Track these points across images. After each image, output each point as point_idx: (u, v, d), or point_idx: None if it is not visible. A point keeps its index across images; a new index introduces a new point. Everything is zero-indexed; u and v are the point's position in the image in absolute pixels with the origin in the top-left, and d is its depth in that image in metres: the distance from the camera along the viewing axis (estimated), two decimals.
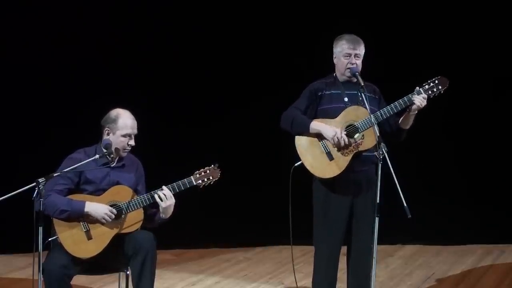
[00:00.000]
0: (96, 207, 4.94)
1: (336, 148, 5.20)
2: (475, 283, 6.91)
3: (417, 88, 5.24)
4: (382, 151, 4.89)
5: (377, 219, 4.93)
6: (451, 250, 8.11)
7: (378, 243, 4.95)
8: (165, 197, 4.99)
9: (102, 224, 4.94)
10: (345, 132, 5.18)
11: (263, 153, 7.89)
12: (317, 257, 5.38)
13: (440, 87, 5.25)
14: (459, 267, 7.43)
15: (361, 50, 5.30)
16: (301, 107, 5.30)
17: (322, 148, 5.23)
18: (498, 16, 8.03)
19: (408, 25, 8.00)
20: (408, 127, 5.33)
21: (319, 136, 5.23)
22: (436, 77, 5.27)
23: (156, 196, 4.99)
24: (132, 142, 5.10)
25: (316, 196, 5.36)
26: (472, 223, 8.16)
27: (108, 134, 5.09)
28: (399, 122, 5.32)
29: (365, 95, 5.15)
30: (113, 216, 4.94)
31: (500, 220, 8.14)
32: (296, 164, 5.27)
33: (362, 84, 5.16)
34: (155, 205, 5.04)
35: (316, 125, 5.22)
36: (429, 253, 8.02)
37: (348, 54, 5.26)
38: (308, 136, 5.25)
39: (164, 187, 5.02)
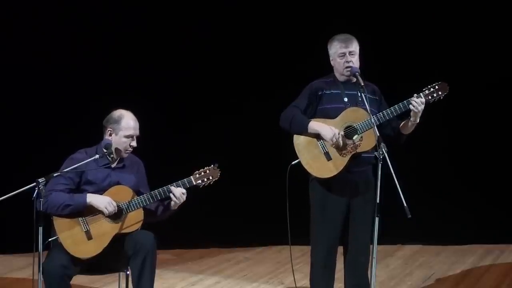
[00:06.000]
0: (98, 198, 4.94)
1: (334, 149, 5.20)
2: (475, 283, 6.91)
3: (416, 94, 5.21)
4: (382, 151, 4.88)
5: (377, 219, 4.92)
6: (451, 250, 8.10)
7: (378, 243, 4.94)
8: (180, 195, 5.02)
9: (104, 215, 4.92)
10: (343, 133, 5.17)
11: (264, 153, 7.88)
12: (314, 256, 5.37)
13: (440, 92, 5.23)
14: (459, 267, 7.43)
15: (355, 47, 5.27)
16: (301, 105, 5.28)
17: (320, 147, 5.21)
18: (496, 17, 8.03)
19: (408, 26, 8.00)
20: (407, 132, 5.31)
21: (318, 136, 5.21)
22: (437, 83, 5.24)
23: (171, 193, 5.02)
24: (134, 144, 5.10)
25: (313, 195, 5.34)
26: (472, 223, 8.16)
27: (110, 135, 5.08)
28: (400, 126, 5.32)
29: (365, 95, 5.15)
30: (115, 208, 4.94)
31: (500, 220, 8.13)
32: (293, 162, 5.25)
33: (362, 84, 5.16)
34: (165, 199, 5.05)
35: (315, 125, 5.20)
36: (429, 253, 8.01)
37: (342, 53, 5.25)
38: (306, 135, 5.24)
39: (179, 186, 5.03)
